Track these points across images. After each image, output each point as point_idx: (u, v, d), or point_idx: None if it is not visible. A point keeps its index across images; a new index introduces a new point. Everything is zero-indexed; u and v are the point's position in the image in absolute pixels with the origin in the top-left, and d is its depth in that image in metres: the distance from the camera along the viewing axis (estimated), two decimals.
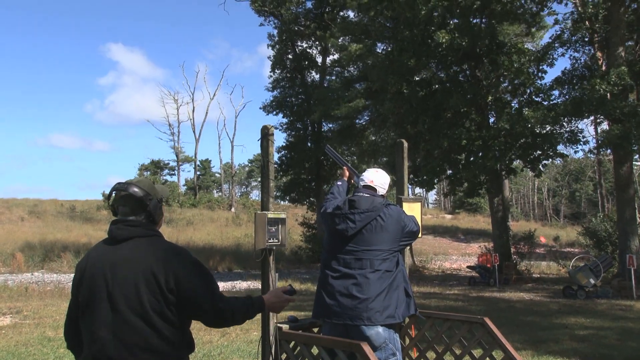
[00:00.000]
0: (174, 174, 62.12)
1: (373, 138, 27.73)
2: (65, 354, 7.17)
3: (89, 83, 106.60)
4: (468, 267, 22.89)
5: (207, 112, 61.64)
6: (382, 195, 3.84)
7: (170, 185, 54.18)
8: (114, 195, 2.41)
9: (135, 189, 2.35)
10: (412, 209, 4.41)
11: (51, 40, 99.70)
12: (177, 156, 59.54)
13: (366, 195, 3.73)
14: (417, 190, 57.37)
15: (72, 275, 13.34)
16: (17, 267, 24.78)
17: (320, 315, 3.58)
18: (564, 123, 20.39)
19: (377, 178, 3.87)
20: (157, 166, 60.44)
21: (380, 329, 3.45)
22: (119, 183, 2.41)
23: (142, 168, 58.69)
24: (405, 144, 4.66)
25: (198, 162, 62.38)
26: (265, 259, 3.32)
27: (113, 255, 2.26)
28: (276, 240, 3.36)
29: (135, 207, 2.36)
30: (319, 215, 4.38)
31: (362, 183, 3.86)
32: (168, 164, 62.40)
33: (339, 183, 4.10)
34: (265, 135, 3.48)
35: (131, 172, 63.16)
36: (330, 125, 30.83)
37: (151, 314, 2.16)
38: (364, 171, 3.94)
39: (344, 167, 4.21)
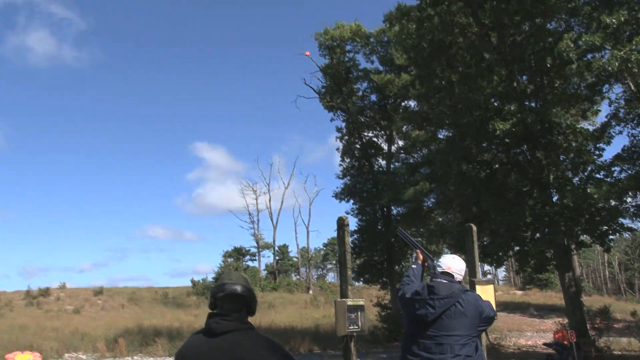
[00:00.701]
0: (255, 260, 63.79)
1: (440, 219, 27.52)
2: None
3: (179, 178, 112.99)
4: (544, 344, 21.80)
5: (282, 201, 63.61)
6: (459, 281, 3.83)
7: (252, 271, 55.30)
8: (220, 294, 2.46)
9: (239, 288, 2.45)
10: (485, 291, 4.39)
11: (146, 141, 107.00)
12: (257, 243, 61.50)
13: (444, 281, 3.71)
14: (486, 267, 55.36)
15: (168, 358, 13.88)
16: (119, 352, 25.36)
17: None
18: (629, 198, 19.60)
19: (454, 265, 3.86)
20: (239, 253, 62.12)
21: None
22: (224, 284, 2.47)
23: (226, 255, 60.41)
24: (474, 228, 4.72)
25: (276, 248, 64.27)
26: (346, 345, 3.32)
27: (210, 348, 2.32)
28: (356, 327, 3.39)
29: (239, 304, 2.45)
30: (398, 299, 3.50)
31: (439, 269, 3.85)
32: (249, 250, 64.15)
33: (414, 266, 4.09)
34: (341, 226, 3.56)
35: (216, 259, 65.42)
36: (399, 209, 30.92)
37: None
38: (440, 256, 4.00)
39: (417, 250, 4.20)
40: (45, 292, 42.50)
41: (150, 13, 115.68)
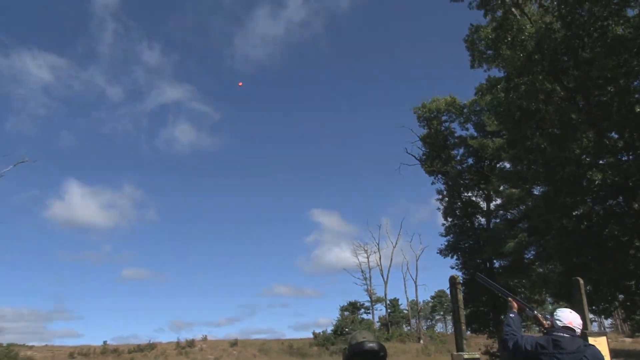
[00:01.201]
0: (368, 313, 64.93)
1: (540, 270, 27.78)
2: None
3: (298, 241, 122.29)
4: None
5: (391, 258, 65.70)
6: (579, 336, 3.81)
7: (366, 323, 56.56)
8: (359, 350, 2.56)
9: (376, 346, 2.55)
10: (598, 344, 4.21)
11: (270, 210, 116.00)
12: (370, 297, 63.30)
13: (567, 335, 3.70)
14: (591, 316, 52.19)
15: None
16: None
17: None
18: None
19: (575, 319, 3.82)
20: (354, 307, 63.74)
21: None
22: (363, 343, 2.57)
23: (343, 309, 62.29)
24: (581, 282, 4.48)
25: (388, 301, 65.03)
26: None
27: None
28: None
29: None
30: (512, 350, 3.54)
31: (560, 323, 3.80)
32: (363, 304, 65.63)
33: (512, 315, 4.08)
34: (453, 284, 3.73)
35: (334, 312, 68.32)
36: (500, 262, 31.11)
37: None
38: (558, 310, 3.95)
39: (510, 299, 4.27)
40: (191, 343, 46.71)
41: (265, 102, 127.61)
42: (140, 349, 44.73)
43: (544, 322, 4.03)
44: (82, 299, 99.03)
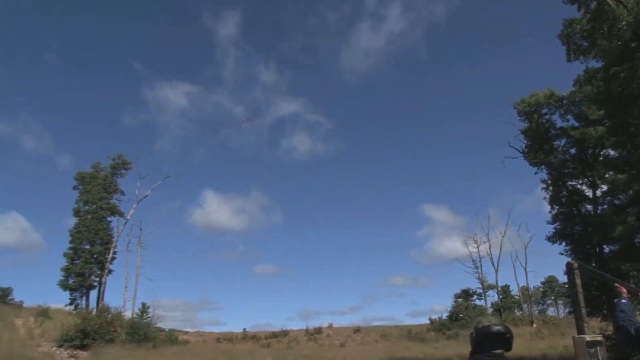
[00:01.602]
0: (481, 299, 66.91)
1: None
2: None
3: (411, 235, 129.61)
4: None
5: (501, 247, 67.45)
6: None
7: (480, 309, 58.44)
8: (487, 334, 2.68)
9: (502, 329, 2.67)
10: None
11: (383, 206, 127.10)
12: (481, 285, 65.27)
13: None
14: None
15: None
16: None
17: None
18: None
19: None
20: (467, 294, 65.74)
21: None
22: (491, 326, 2.70)
23: (457, 296, 64.65)
24: None
25: (499, 288, 66.97)
26: None
27: None
28: None
29: (504, 342, 2.68)
30: (627, 336, 3.53)
31: None
32: (475, 291, 67.55)
33: (623, 301, 3.91)
34: (570, 270, 3.66)
35: (448, 300, 71.66)
36: (610, 247, 31.13)
37: None
38: None
39: (617, 285, 4.16)
40: (318, 331, 51.42)
41: (373, 108, 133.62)
42: (274, 335, 50.18)
43: None
44: (222, 291, 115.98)
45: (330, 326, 54.05)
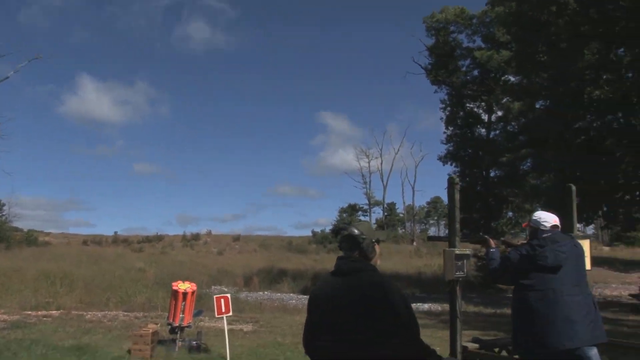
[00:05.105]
0: (366, 215, 67.42)
1: (535, 182, 28.19)
2: (292, 357, 8.16)
3: (305, 144, 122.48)
4: (630, 295, 21.83)
5: (392, 164, 67.67)
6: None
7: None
8: (340, 236, 2.62)
9: (352, 230, 2.54)
10: (582, 245, 4.25)
11: (278, 110, 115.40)
12: (368, 200, 65.66)
13: (558, 231, 3.86)
14: (577, 225, 53.66)
15: (292, 295, 17.35)
16: (253, 287, 28.49)
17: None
18: None
19: (557, 218, 3.92)
20: (353, 209, 65.98)
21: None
22: (343, 224, 3.48)
23: (342, 210, 64.46)
24: (574, 189, 4.54)
25: (385, 205, 67.77)
26: (453, 288, 3.32)
27: (340, 284, 2.42)
28: (462, 273, 3.32)
29: (352, 245, 2.52)
30: (502, 263, 3.67)
31: (547, 225, 3.84)
32: (362, 207, 68.03)
33: (492, 250, 4.05)
34: (452, 184, 3.62)
35: (333, 213, 70.77)
36: (497, 172, 31.77)
37: (366, 329, 2.27)
38: (539, 214, 3.94)
39: (487, 237, 4.20)
40: (196, 237, 48.80)
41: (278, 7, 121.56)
42: (148, 240, 46.79)
43: (519, 241, 4.18)
44: (94, 190, 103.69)
45: (209, 233, 51.75)
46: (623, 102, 21.04)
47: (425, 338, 2.39)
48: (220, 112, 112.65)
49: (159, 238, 48.30)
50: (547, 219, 3.86)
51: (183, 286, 8.86)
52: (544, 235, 3.76)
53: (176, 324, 8.67)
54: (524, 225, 4.30)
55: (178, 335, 8.65)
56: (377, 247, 2.61)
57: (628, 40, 21.16)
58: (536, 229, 3.88)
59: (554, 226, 3.84)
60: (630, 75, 21.83)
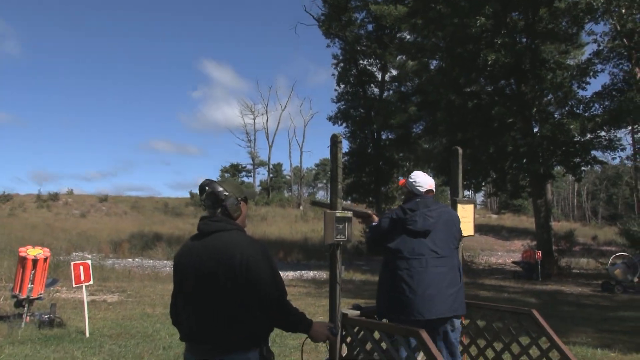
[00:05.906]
0: (250, 176, 64.29)
1: (426, 146, 28.16)
2: (161, 328, 7.61)
3: (183, 95, 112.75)
4: (513, 262, 22.56)
5: (279, 122, 65.66)
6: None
7: (246, 186, 56.31)
8: (203, 194, 2.48)
9: (215, 187, 2.44)
10: (465, 210, 4.30)
11: (153, 56, 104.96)
12: (253, 160, 61.82)
13: (430, 197, 3.76)
14: (466, 192, 57.12)
15: (166, 261, 14.96)
16: (122, 254, 26.23)
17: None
18: (603, 132, 20.46)
19: (432, 182, 3.84)
20: (235, 169, 62.96)
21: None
22: (204, 180, 2.50)
23: (224, 170, 61.19)
24: (460, 151, 4.49)
25: (271, 166, 64.86)
26: (333, 253, 3.28)
27: (199, 247, 2.34)
28: (343, 237, 3.28)
29: (214, 202, 2.42)
30: (373, 231, 3.61)
31: (421, 189, 3.76)
32: (245, 167, 64.91)
33: (374, 224, 3.90)
34: (335, 142, 3.42)
35: (215, 173, 66.26)
36: (388, 134, 31.26)
37: (226, 298, 2.22)
38: (414, 176, 3.85)
39: (370, 212, 4.07)
40: (54, 197, 42.98)
41: None
42: None
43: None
44: None
45: (70, 192, 46.13)
46: (516, 68, 21.28)
47: (307, 307, 3.71)
48: (84, 51, 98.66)
49: (7, 198, 41.92)
50: (422, 183, 3.76)
51: (33, 252, 7.97)
52: (417, 200, 3.71)
53: (23, 295, 7.80)
54: (399, 183, 4.20)
55: (26, 309, 7.84)
56: (243, 206, 2.51)
57: (523, 2, 21.32)
58: (410, 192, 3.81)
59: (429, 191, 3.77)
60: (525, 40, 22.06)
